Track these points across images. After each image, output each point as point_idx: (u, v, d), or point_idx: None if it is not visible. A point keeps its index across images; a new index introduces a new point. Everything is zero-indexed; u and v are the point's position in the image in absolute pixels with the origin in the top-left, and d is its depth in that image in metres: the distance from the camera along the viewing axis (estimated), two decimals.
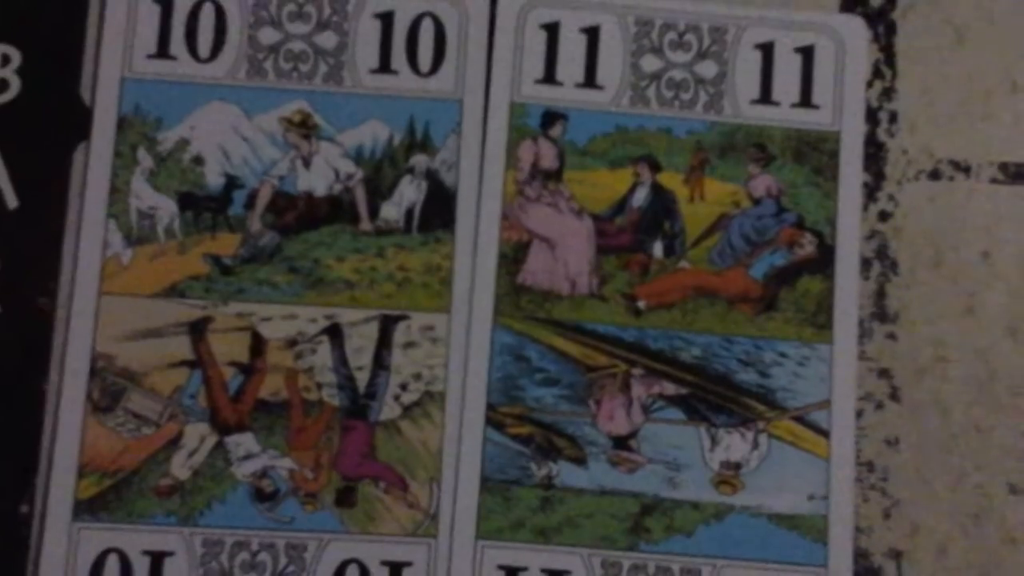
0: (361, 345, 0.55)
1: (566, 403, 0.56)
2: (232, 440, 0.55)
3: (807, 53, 0.58)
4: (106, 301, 0.55)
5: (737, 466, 0.55)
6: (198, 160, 0.56)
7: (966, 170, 0.58)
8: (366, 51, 0.57)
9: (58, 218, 0.55)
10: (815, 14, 0.58)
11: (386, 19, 0.57)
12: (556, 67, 0.57)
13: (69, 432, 0.54)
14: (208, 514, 0.54)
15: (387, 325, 0.56)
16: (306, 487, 0.55)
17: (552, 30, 0.58)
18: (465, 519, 0.54)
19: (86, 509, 0.54)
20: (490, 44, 0.57)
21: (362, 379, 0.55)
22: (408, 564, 0.54)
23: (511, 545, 0.54)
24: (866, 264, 0.57)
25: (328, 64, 0.57)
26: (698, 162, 0.57)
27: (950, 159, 0.58)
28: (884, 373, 0.56)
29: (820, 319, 0.56)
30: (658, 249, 0.57)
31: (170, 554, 0.54)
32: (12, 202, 0.55)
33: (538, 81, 0.57)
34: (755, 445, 0.55)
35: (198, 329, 0.55)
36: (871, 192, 0.58)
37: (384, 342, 0.55)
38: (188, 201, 0.56)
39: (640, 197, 0.57)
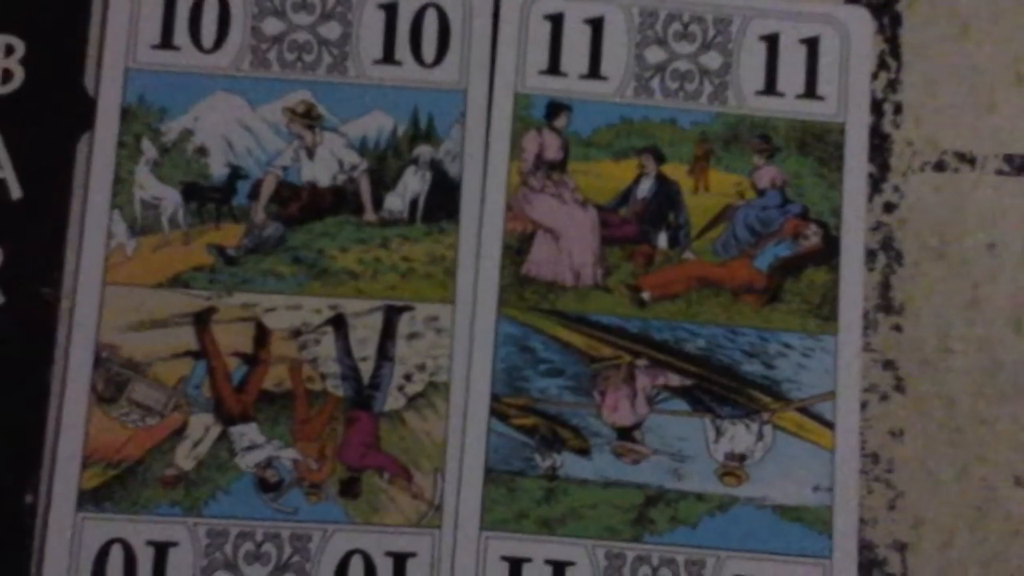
0: (365, 336, 0.55)
1: (570, 394, 0.55)
2: (236, 430, 0.55)
3: (812, 44, 0.58)
4: (110, 291, 0.55)
5: (742, 457, 0.55)
6: (202, 151, 0.56)
7: (971, 161, 0.58)
8: (370, 41, 0.57)
9: (62, 208, 0.55)
10: (820, 5, 0.58)
11: (390, 9, 0.57)
12: (560, 58, 0.57)
13: (73, 422, 0.54)
14: (212, 504, 0.54)
15: (391, 316, 0.56)
16: (310, 478, 0.54)
17: (556, 21, 0.57)
18: (469, 510, 0.54)
19: (90, 499, 0.54)
20: (494, 35, 0.57)
21: (366, 370, 0.55)
22: (412, 555, 0.54)
23: (515, 536, 0.54)
24: (871, 255, 0.57)
25: (332, 55, 0.57)
26: (702, 153, 0.57)
27: (955, 150, 0.58)
28: (889, 364, 0.56)
29: (825, 310, 0.56)
30: (662, 240, 0.57)
31: (174, 544, 0.54)
32: (16, 192, 0.55)
33: (542, 72, 0.57)
34: (760, 436, 0.55)
35: (202, 319, 0.55)
36: (876, 183, 0.58)
37: (388, 333, 0.55)
38: (192, 191, 0.56)
39: (644, 188, 0.57)
